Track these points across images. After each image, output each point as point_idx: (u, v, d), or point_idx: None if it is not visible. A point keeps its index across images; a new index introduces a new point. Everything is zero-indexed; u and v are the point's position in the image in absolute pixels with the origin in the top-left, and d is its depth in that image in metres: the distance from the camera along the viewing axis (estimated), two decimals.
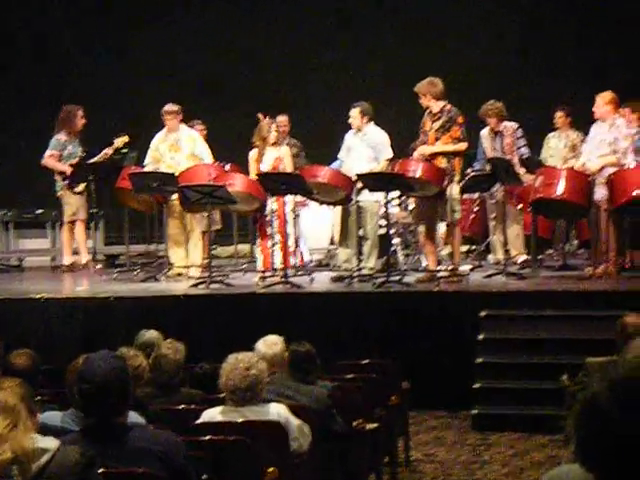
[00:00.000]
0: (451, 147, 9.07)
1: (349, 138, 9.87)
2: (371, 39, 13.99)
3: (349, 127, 9.86)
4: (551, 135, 10.89)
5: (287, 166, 9.71)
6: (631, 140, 9.06)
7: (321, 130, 11.54)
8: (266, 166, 9.67)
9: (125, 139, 10.83)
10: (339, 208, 9.89)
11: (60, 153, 10.80)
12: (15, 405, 3.15)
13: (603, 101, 9.00)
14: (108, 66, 14.08)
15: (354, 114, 9.69)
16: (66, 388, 4.38)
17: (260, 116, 10.02)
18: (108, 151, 10.85)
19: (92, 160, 10.79)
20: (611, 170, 8.87)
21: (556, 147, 10.79)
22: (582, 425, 1.44)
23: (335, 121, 10.24)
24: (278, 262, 9.57)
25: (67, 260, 11.01)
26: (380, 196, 9.49)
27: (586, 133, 9.59)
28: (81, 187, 10.76)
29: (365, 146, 9.68)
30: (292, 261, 9.71)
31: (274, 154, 9.75)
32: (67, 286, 10.17)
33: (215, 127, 11.33)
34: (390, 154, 9.70)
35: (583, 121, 9.97)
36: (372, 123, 9.74)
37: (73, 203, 10.76)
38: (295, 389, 5.28)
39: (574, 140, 10.67)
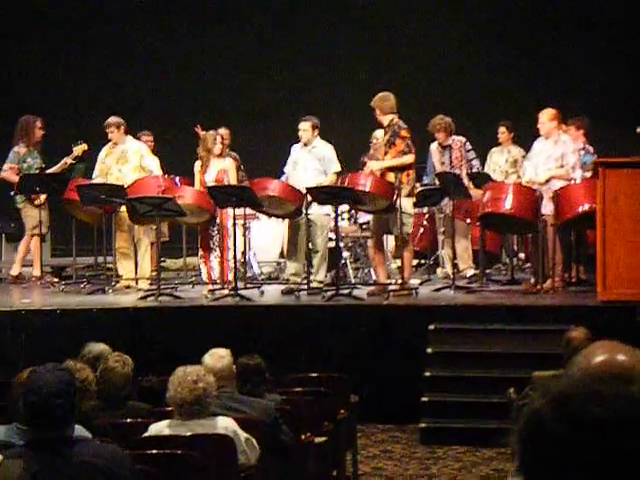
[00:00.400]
0: (397, 161, 9.11)
1: (295, 152, 9.87)
2: (322, 51, 14.06)
3: (292, 141, 9.87)
4: (493, 150, 11.02)
5: (231, 178, 9.69)
6: (578, 155, 9.20)
7: (263, 144, 11.54)
8: (210, 177, 9.65)
9: (84, 147, 10.70)
10: (287, 221, 9.90)
11: (19, 166, 10.68)
12: None
13: (548, 117, 9.14)
14: (61, 78, 13.97)
15: (305, 127, 9.70)
16: (10, 401, 4.31)
17: (198, 130, 10.00)
18: (67, 160, 10.74)
19: (51, 170, 10.68)
20: (558, 185, 8.98)
21: (497, 162, 10.91)
22: (525, 442, 1.42)
23: (279, 135, 10.25)
24: (216, 275, 9.56)
25: (15, 270, 10.86)
26: (330, 209, 9.51)
27: (526, 149, 9.73)
28: (41, 199, 10.61)
29: (313, 159, 9.70)
30: (229, 275, 9.60)
31: (218, 165, 9.73)
32: (12, 299, 10.03)
33: (158, 140, 11.28)
34: (338, 167, 9.73)
35: (524, 137, 10.11)
36: (318, 137, 9.77)
37: (34, 216, 10.61)
38: (242, 402, 5.26)
39: (515, 155, 10.81)
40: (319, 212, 9.49)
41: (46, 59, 14.11)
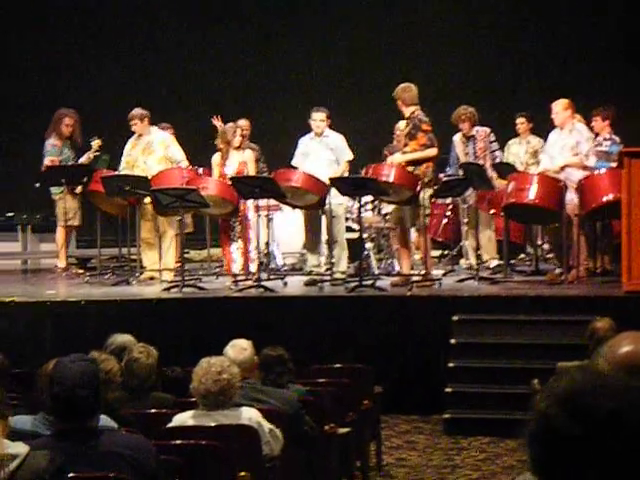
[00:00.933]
0: (419, 154, 9.07)
1: (305, 143, 9.85)
2: (342, 42, 14.03)
3: (303, 132, 9.86)
4: (512, 141, 10.96)
5: (250, 170, 9.70)
6: (592, 142, 9.16)
7: (283, 135, 11.53)
8: (231, 170, 9.66)
9: (99, 142, 10.82)
10: (304, 212, 9.90)
11: (59, 159, 10.77)
12: None
13: (562, 107, 9.14)
14: (81, 70, 14.03)
15: (322, 117, 9.69)
16: (37, 392, 4.34)
17: (215, 121, 9.98)
18: (90, 155, 10.86)
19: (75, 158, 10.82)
20: (576, 174, 8.95)
21: (517, 153, 10.86)
22: (539, 446, 1.39)
23: (299, 126, 10.22)
24: (238, 267, 9.58)
25: (61, 263, 10.95)
26: (344, 199, 9.53)
27: (545, 140, 9.70)
28: (79, 189, 10.69)
29: (325, 149, 9.70)
30: (251, 266, 9.61)
31: (238, 158, 9.73)
32: (38, 290, 10.09)
33: (176, 131, 11.32)
34: (350, 155, 9.74)
35: (541, 128, 10.06)
36: (327, 127, 9.78)
37: (71, 207, 10.70)
38: (266, 393, 5.27)
39: (535, 146, 10.76)
40: (335, 202, 9.48)
41: (69, 51, 14.15)
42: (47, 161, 10.77)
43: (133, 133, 10.32)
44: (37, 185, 10.78)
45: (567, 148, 9.10)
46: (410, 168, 9.05)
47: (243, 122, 10.97)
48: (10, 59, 14.11)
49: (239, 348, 5.28)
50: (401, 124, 9.57)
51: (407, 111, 9.17)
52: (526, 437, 1.39)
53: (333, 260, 9.55)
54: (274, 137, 11.80)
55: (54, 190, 10.83)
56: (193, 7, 14.42)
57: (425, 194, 9.07)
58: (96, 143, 10.81)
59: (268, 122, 12.36)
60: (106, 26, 14.25)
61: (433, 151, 9.12)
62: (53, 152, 10.78)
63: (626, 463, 1.32)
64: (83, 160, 10.85)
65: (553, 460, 1.37)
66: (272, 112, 13.08)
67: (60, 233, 10.92)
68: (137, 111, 10.22)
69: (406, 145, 9.17)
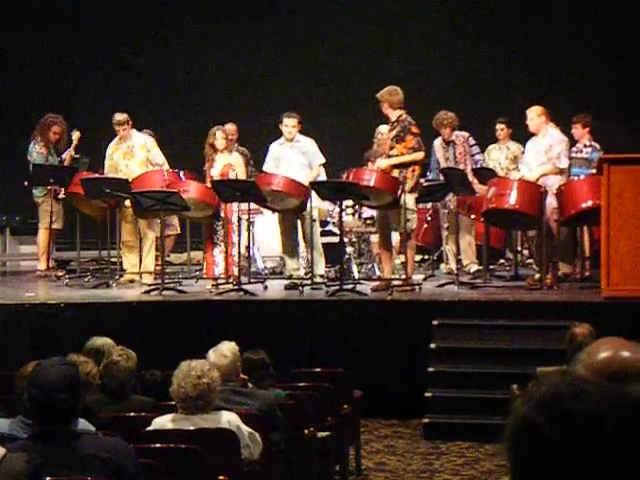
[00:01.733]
0: (408, 157, 9.09)
1: (276, 149, 9.86)
2: (325, 47, 14.04)
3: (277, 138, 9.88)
4: (492, 147, 11.00)
5: (239, 173, 9.69)
6: (565, 145, 9.19)
7: (267, 139, 11.54)
8: (216, 172, 9.67)
9: (78, 134, 10.79)
10: (278, 216, 9.91)
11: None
12: None
13: (536, 114, 9.24)
14: (62, 75, 13.98)
15: (293, 123, 9.70)
16: (15, 394, 4.32)
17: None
18: (71, 151, 10.82)
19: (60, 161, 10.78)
20: (557, 179, 9.00)
21: (497, 159, 10.91)
22: (517, 449, 1.39)
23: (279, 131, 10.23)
24: (220, 270, 9.58)
25: (41, 265, 10.90)
26: (325, 203, 9.55)
27: (524, 145, 9.76)
28: (62, 193, 10.65)
29: (297, 154, 9.71)
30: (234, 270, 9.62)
31: (224, 160, 9.73)
32: (17, 292, 10.04)
33: (165, 134, 11.30)
34: (322, 159, 9.77)
35: (521, 134, 10.11)
36: (298, 132, 9.81)
37: (54, 210, 10.66)
38: (244, 394, 5.27)
39: (514, 152, 10.81)
40: (313, 205, 9.49)
41: (57, 53, 14.10)
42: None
43: (114, 135, 10.29)
44: (25, 184, 10.74)
45: (541, 152, 9.17)
46: (396, 172, 9.06)
47: (230, 126, 11.00)
48: None
49: (219, 354, 5.25)
50: (383, 128, 9.58)
51: (393, 114, 9.17)
52: (505, 441, 1.39)
53: (312, 264, 9.55)
54: (260, 141, 11.80)
55: (37, 193, 10.78)
56: (181, 10, 14.38)
57: (410, 199, 9.08)
58: (76, 135, 10.79)
59: (253, 126, 12.35)
60: (95, 28, 14.19)
61: (420, 155, 9.15)
62: (39, 160, 10.74)
63: (606, 467, 1.33)
64: (66, 156, 10.81)
65: (532, 464, 1.37)
66: (256, 116, 13.06)
67: (43, 235, 10.87)
68: (123, 116, 10.17)
69: (392, 148, 9.16)
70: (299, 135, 9.79)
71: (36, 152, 10.77)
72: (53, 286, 10.21)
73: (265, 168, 9.92)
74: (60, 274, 10.75)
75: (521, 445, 1.38)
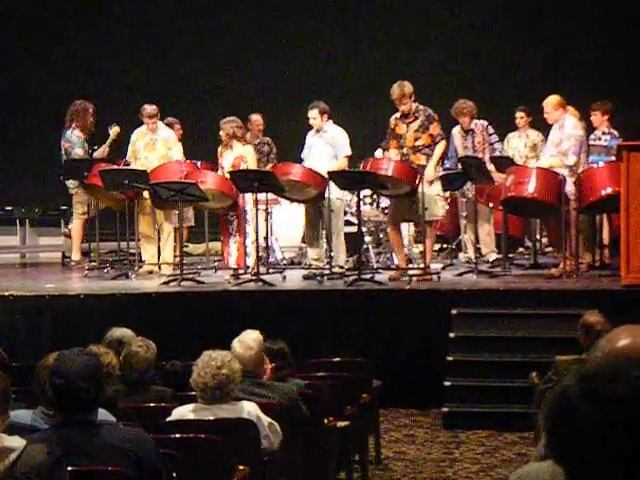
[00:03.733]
0: (439, 152, 9.19)
1: (309, 138, 9.88)
2: (335, 44, 14.03)
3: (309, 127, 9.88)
4: (511, 135, 10.97)
5: (250, 164, 9.67)
6: (574, 140, 9.10)
7: (295, 130, 11.56)
8: (226, 163, 9.67)
9: (117, 129, 10.72)
10: (304, 206, 9.91)
11: (85, 150, 10.76)
12: None
13: (552, 107, 9.16)
14: (92, 62, 14.03)
15: (314, 115, 9.69)
16: (35, 385, 4.34)
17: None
18: (106, 147, 10.82)
19: (95, 155, 10.74)
20: (565, 172, 8.96)
21: (517, 147, 10.87)
22: (553, 418, 1.49)
23: (298, 122, 10.23)
24: (234, 261, 9.59)
25: (76, 256, 10.95)
26: (342, 193, 9.54)
27: (545, 133, 9.71)
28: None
29: (324, 144, 9.70)
30: (248, 260, 9.63)
31: (236, 152, 9.73)
32: (36, 283, 10.09)
33: (190, 125, 11.33)
34: (349, 151, 9.74)
35: (542, 122, 10.07)
36: (330, 121, 9.77)
37: (83, 202, 10.69)
38: (265, 386, 5.27)
39: (534, 140, 10.77)
40: (333, 196, 9.49)
41: (79, 44, 14.13)
42: (80, 152, 10.70)
43: (140, 124, 10.29)
44: (61, 178, 10.78)
45: (553, 145, 9.12)
46: (422, 160, 9.11)
47: (255, 117, 11.05)
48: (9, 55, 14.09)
49: (245, 346, 5.22)
50: (400, 122, 9.46)
51: (413, 106, 9.20)
52: (545, 408, 1.52)
53: (332, 254, 9.55)
54: (281, 132, 11.81)
55: (70, 184, 10.82)
56: (205, 2, 14.40)
57: (436, 187, 9.09)
58: (114, 131, 10.72)
59: (274, 117, 12.37)
60: (119, 19, 14.21)
61: (444, 143, 9.31)
62: (79, 144, 10.73)
63: (626, 449, 1.41)
64: (101, 151, 10.77)
65: (564, 435, 1.47)
66: (274, 107, 13.07)
67: (77, 226, 10.92)
68: (153, 109, 10.16)
69: (417, 139, 9.18)
70: (329, 125, 9.75)
71: (76, 136, 10.71)
72: (73, 277, 10.25)
73: (302, 155, 9.98)
74: (94, 264, 10.63)
75: (556, 415, 1.49)
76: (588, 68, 12.91)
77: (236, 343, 5.23)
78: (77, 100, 10.87)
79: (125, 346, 5.46)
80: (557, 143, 9.09)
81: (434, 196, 9.17)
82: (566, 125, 9.13)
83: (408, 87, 9.18)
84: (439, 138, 9.20)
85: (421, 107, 9.24)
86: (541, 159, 9.36)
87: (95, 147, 10.92)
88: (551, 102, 9.19)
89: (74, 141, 10.73)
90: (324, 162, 9.53)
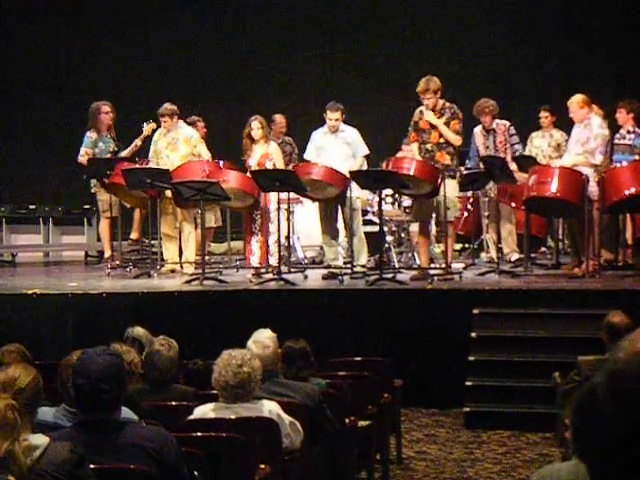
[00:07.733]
0: (449, 133, 9.09)
1: (319, 138, 9.83)
2: (357, 41, 14.01)
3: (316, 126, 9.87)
4: (535, 134, 10.92)
5: (277, 163, 9.70)
6: (601, 140, 9.06)
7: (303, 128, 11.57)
8: (253, 162, 9.70)
9: (153, 126, 10.61)
10: (317, 206, 9.92)
11: (93, 151, 10.77)
12: (8, 417, 3.13)
13: (577, 106, 9.11)
14: (123, 61, 14.09)
15: (337, 116, 9.67)
16: (58, 383, 4.37)
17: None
18: (137, 142, 10.79)
19: (123, 153, 10.75)
20: (590, 172, 8.91)
21: (540, 146, 10.82)
22: (579, 414, 1.49)
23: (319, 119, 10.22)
24: (256, 260, 9.62)
25: (107, 253, 11.01)
26: (364, 192, 9.54)
27: (569, 133, 9.67)
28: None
29: (341, 144, 9.69)
30: (271, 259, 9.66)
31: (261, 151, 9.75)
32: (59, 282, 10.15)
33: (213, 125, 11.35)
34: (367, 150, 9.74)
35: (565, 121, 10.03)
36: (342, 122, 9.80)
37: (105, 200, 10.73)
38: (287, 386, 5.28)
39: (558, 139, 10.72)
40: (354, 195, 9.48)
41: (98, 39, 14.19)
42: (82, 152, 10.77)
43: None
44: (85, 178, 10.84)
45: (579, 143, 9.08)
46: (446, 159, 9.09)
47: (278, 117, 11.08)
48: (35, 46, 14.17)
49: (261, 345, 5.24)
50: (425, 113, 9.41)
51: (440, 102, 9.19)
52: (573, 403, 1.55)
53: (353, 253, 9.55)
54: (301, 131, 11.82)
55: (92, 183, 10.87)
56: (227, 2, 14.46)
57: (450, 187, 9.07)
58: (149, 127, 10.58)
59: (294, 116, 12.38)
60: (138, 13, 14.27)
61: (459, 140, 9.17)
62: (87, 144, 10.78)
63: None
64: (131, 148, 10.74)
65: (588, 428, 1.49)
66: (291, 105, 13.09)
67: (103, 224, 10.99)
68: (168, 108, 10.16)
69: (442, 136, 9.18)
70: (343, 125, 9.77)
71: (87, 136, 10.78)
72: (95, 276, 10.30)
73: (306, 155, 9.92)
74: (117, 263, 10.63)
75: (582, 409, 1.51)
76: (613, 66, 12.83)
77: (252, 344, 5.23)
78: (98, 102, 10.92)
79: (147, 345, 5.48)
80: (584, 142, 9.04)
81: (453, 199, 9.19)
82: (593, 124, 9.08)
83: (434, 82, 9.15)
84: (456, 134, 9.14)
85: (447, 104, 9.21)
86: (565, 157, 9.31)
87: (119, 146, 10.93)
88: (576, 102, 9.14)
89: (83, 140, 10.80)
90: (342, 162, 9.53)
